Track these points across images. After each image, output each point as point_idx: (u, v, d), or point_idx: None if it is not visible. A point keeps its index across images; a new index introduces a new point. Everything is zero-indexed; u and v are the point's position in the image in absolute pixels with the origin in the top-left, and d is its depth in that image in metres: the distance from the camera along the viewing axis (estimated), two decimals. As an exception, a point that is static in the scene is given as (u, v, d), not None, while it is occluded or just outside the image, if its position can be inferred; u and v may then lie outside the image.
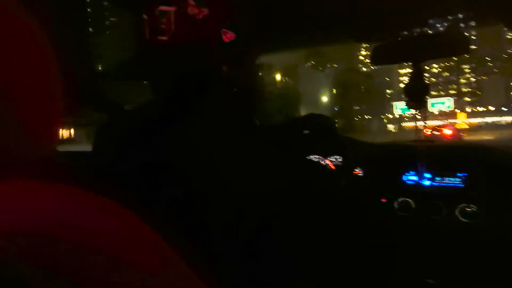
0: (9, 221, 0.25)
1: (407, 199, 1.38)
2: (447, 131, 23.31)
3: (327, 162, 1.54)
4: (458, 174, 1.33)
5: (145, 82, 0.73)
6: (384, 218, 1.43)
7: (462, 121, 41.10)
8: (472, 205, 1.26)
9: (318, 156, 1.58)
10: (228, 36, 0.72)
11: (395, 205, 1.39)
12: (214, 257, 0.62)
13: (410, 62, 1.21)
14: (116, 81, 0.78)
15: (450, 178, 1.35)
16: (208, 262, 0.60)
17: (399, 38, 1.52)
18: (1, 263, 0.21)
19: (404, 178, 1.43)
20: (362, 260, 1.34)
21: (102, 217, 0.30)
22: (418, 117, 1.43)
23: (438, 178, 1.37)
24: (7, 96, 0.32)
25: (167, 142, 0.68)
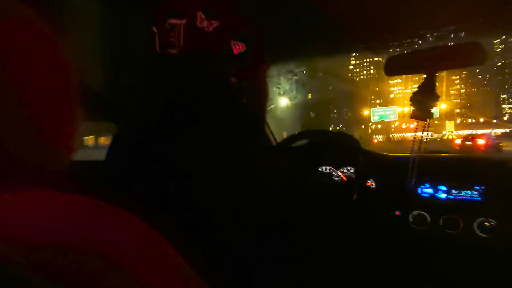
0: (22, 233, 0.25)
1: (423, 212, 1.35)
2: (481, 141, 20.13)
3: (339, 173, 1.52)
4: (476, 187, 1.30)
5: (156, 94, 0.73)
6: (398, 232, 1.39)
7: (450, 131, 40.38)
8: (491, 219, 1.23)
9: (329, 168, 1.57)
10: (238, 48, 0.72)
11: (410, 218, 1.36)
12: (227, 274, 0.62)
13: (424, 73, 1.20)
14: (128, 93, 0.78)
15: (467, 191, 1.32)
16: (220, 276, 0.60)
17: (413, 49, 1.50)
18: (14, 275, 0.21)
19: (419, 190, 1.40)
20: (375, 273, 1.31)
21: (127, 232, 0.30)
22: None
23: (454, 191, 1.34)
24: (25, 104, 0.32)
25: (178, 152, 0.68)
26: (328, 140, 1.55)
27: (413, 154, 1.33)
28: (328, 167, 1.57)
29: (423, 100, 1.16)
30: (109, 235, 0.28)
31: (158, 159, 0.69)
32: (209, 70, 0.71)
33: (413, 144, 1.29)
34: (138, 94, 0.77)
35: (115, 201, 0.32)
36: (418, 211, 1.35)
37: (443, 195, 1.35)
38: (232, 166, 0.68)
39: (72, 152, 0.38)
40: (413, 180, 1.40)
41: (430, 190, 1.38)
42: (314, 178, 1.51)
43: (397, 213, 1.40)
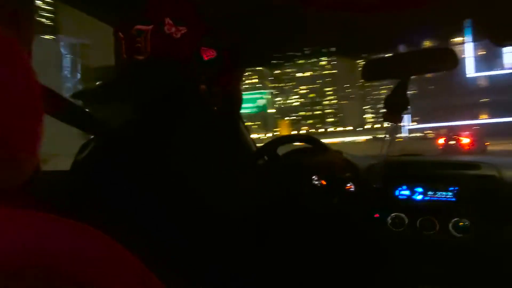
0: None
1: (400, 214, 1.37)
2: (465, 140, 19.01)
3: (318, 178, 1.53)
4: (450, 189, 1.33)
5: (124, 101, 0.72)
6: (378, 234, 1.41)
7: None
8: (464, 219, 1.26)
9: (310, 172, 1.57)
10: (208, 54, 0.72)
11: (389, 220, 1.39)
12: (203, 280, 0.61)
13: (400, 77, 1.23)
14: (95, 100, 0.77)
15: (442, 193, 1.35)
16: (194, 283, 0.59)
17: (388, 55, 1.54)
18: None
19: (397, 192, 1.42)
20: (356, 275, 1.32)
21: (80, 244, 0.29)
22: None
23: (430, 193, 1.37)
24: None
25: (146, 161, 0.67)
26: (308, 144, 1.57)
27: (390, 156, 1.36)
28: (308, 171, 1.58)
29: (395, 104, 1.19)
30: (64, 249, 0.27)
31: (126, 167, 0.67)
32: (178, 77, 0.70)
33: (388, 147, 1.32)
34: (105, 101, 0.75)
35: (77, 214, 0.31)
36: (396, 213, 1.38)
37: (420, 197, 1.38)
38: (202, 172, 0.67)
39: (33, 169, 0.37)
40: (390, 183, 1.42)
41: (407, 192, 1.41)
42: (293, 183, 1.52)
43: (376, 215, 1.42)
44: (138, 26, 0.67)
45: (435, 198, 1.35)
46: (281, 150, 1.53)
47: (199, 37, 0.72)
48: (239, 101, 0.88)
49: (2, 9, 0.69)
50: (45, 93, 0.38)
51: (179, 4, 0.72)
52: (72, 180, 0.75)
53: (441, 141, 20.35)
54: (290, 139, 1.59)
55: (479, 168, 1.37)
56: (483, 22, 1.22)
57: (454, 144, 18.80)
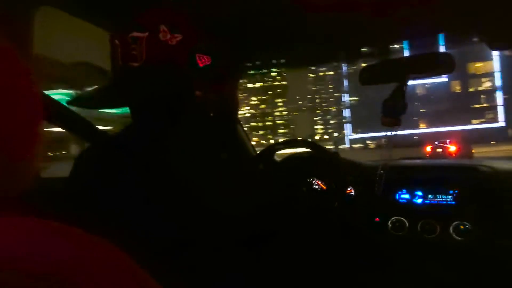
0: None
1: (401, 218, 1.37)
2: (452, 147, 19.67)
3: (318, 183, 1.53)
4: (450, 192, 1.33)
5: (121, 107, 0.72)
6: (378, 238, 1.41)
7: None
8: (465, 222, 1.26)
9: (310, 177, 1.57)
10: (204, 60, 0.72)
11: (389, 224, 1.38)
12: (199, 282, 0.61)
13: (397, 82, 1.23)
14: (91, 106, 0.77)
15: (442, 196, 1.35)
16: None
17: (386, 59, 1.55)
18: None
19: (397, 196, 1.42)
20: (356, 279, 1.31)
21: (72, 249, 0.29)
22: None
23: (430, 196, 1.37)
24: None
25: (143, 167, 0.67)
26: (308, 149, 1.57)
27: (389, 160, 1.36)
28: (308, 176, 1.58)
29: (392, 108, 1.19)
30: (62, 256, 0.27)
31: (123, 174, 0.67)
32: (174, 83, 0.70)
33: (387, 152, 1.32)
34: (101, 107, 0.75)
35: (76, 221, 0.31)
36: (396, 217, 1.37)
37: (420, 200, 1.38)
38: (198, 178, 0.67)
39: (32, 176, 0.36)
40: (390, 187, 1.42)
41: (407, 196, 1.41)
42: (294, 188, 1.52)
43: (377, 219, 1.42)
44: (134, 33, 0.68)
45: (435, 202, 1.35)
46: (281, 156, 1.53)
47: (194, 44, 0.72)
48: (235, 107, 0.89)
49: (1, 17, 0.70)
50: (43, 100, 0.38)
51: (174, 12, 0.73)
52: (71, 186, 0.75)
53: (428, 149, 20.58)
54: (289, 144, 1.59)
55: (478, 171, 1.37)
56: (480, 26, 1.23)
57: (441, 151, 19.26)
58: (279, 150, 1.42)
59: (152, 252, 0.46)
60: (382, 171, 1.34)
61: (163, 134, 0.70)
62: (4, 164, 0.33)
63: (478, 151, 20.48)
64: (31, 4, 0.89)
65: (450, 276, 1.26)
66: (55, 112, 0.85)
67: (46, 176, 0.93)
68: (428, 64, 1.22)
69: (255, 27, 1.10)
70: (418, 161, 1.69)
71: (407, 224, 1.35)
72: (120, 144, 0.71)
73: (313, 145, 1.52)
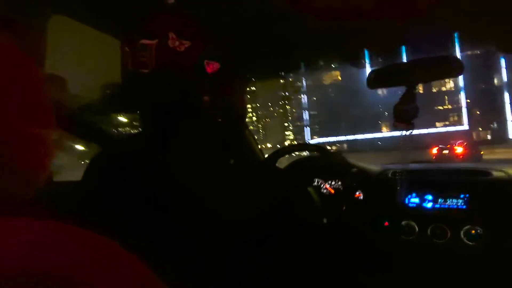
0: None
1: (411, 222, 1.35)
2: (459, 149, 18.54)
3: (326, 187, 1.53)
4: (461, 196, 1.32)
5: (131, 113, 0.74)
6: (388, 243, 1.40)
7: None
8: (477, 227, 1.24)
9: (317, 181, 1.57)
10: (212, 67, 0.73)
11: (399, 228, 1.37)
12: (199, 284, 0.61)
13: (406, 85, 1.23)
14: (103, 112, 0.79)
15: (452, 200, 1.33)
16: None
17: (394, 62, 1.54)
18: None
19: (406, 200, 1.41)
20: (365, 283, 1.30)
21: (85, 250, 0.30)
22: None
23: (440, 200, 1.35)
24: None
25: (154, 171, 0.68)
26: (315, 153, 1.56)
27: (399, 164, 1.35)
28: (316, 180, 1.57)
29: (404, 111, 1.18)
30: (69, 256, 0.28)
31: (129, 178, 0.68)
32: (182, 89, 0.71)
33: (398, 155, 1.31)
34: (111, 112, 0.77)
35: (87, 224, 0.31)
36: (406, 221, 1.36)
37: (430, 204, 1.36)
38: (205, 182, 0.68)
39: (44, 180, 0.37)
40: (400, 191, 1.41)
41: (416, 200, 1.39)
42: (302, 192, 1.51)
43: (386, 224, 1.40)
44: (143, 41, 0.69)
45: (446, 206, 1.33)
46: (290, 159, 1.53)
47: (202, 50, 0.73)
48: (243, 112, 0.89)
49: (14, 25, 0.71)
50: (54, 106, 0.39)
51: (182, 19, 0.74)
52: (83, 190, 0.76)
53: (434, 151, 19.60)
54: (297, 148, 1.59)
55: (490, 175, 1.35)
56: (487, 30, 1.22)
57: (447, 154, 18.44)
58: (287, 154, 1.42)
59: (157, 253, 0.47)
60: (393, 176, 1.33)
61: (172, 139, 0.71)
62: (17, 168, 0.34)
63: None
64: (43, 13, 0.91)
65: (461, 281, 1.24)
66: (67, 119, 0.86)
67: (58, 180, 0.95)
68: (436, 67, 1.21)
69: (262, 33, 1.11)
70: (428, 164, 1.67)
71: (417, 228, 1.33)
72: (130, 149, 0.73)
73: (321, 149, 1.52)
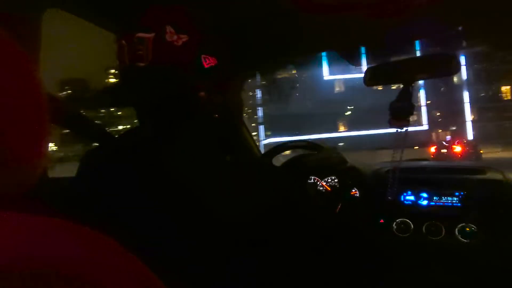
0: None
1: (406, 220, 1.36)
2: (458, 148, 18.33)
3: (322, 184, 1.53)
4: (456, 194, 1.32)
5: (126, 107, 0.73)
6: (383, 240, 1.40)
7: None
8: (471, 225, 1.25)
9: (313, 178, 1.57)
10: (209, 61, 0.72)
11: (394, 226, 1.38)
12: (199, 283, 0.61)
13: (402, 83, 1.23)
14: (97, 105, 0.78)
15: (447, 198, 1.34)
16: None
17: (391, 60, 1.54)
18: None
19: (402, 198, 1.41)
20: (360, 281, 1.31)
21: (82, 247, 0.30)
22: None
23: (435, 198, 1.36)
24: None
25: (149, 167, 0.67)
26: (311, 150, 1.57)
27: (394, 162, 1.35)
28: (312, 178, 1.58)
29: (400, 109, 1.19)
30: (67, 253, 0.27)
31: (128, 174, 0.68)
32: (179, 84, 0.71)
33: (393, 153, 1.32)
34: (107, 106, 0.76)
35: (81, 219, 0.31)
36: (401, 219, 1.37)
37: (425, 202, 1.37)
38: (202, 179, 0.67)
39: (39, 174, 0.37)
40: (395, 188, 1.41)
41: (412, 198, 1.40)
42: (298, 189, 1.52)
43: (381, 221, 1.41)
44: (140, 34, 0.68)
45: (441, 203, 1.34)
46: (285, 157, 1.53)
47: (200, 45, 0.72)
48: (240, 108, 0.89)
49: (10, 18, 0.71)
50: (49, 99, 0.39)
51: (180, 12, 0.73)
52: (76, 186, 0.76)
53: (432, 149, 19.63)
54: (294, 145, 1.59)
55: (485, 173, 1.36)
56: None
57: (445, 152, 18.24)
58: (284, 151, 1.42)
59: (153, 253, 0.47)
60: (393, 174, 1.33)
61: (168, 134, 0.70)
62: (12, 161, 0.33)
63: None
64: (38, 7, 0.90)
65: (454, 278, 1.25)
66: (61, 113, 0.86)
67: (52, 175, 0.94)
68: (434, 65, 1.21)
69: (259, 29, 1.10)
70: (424, 162, 1.68)
71: (412, 226, 1.34)
72: (125, 144, 0.72)
73: (318, 146, 1.52)
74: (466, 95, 31.55)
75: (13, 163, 0.34)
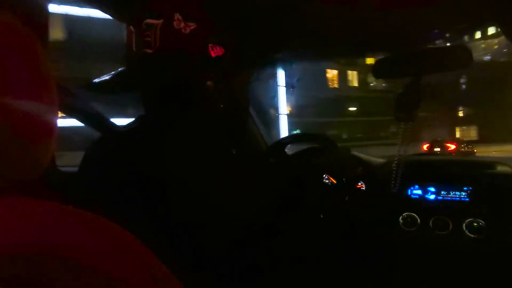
0: None
1: (412, 214, 1.35)
2: (451, 146, 18.52)
3: (328, 177, 1.52)
4: (464, 188, 1.31)
5: (132, 95, 0.73)
6: (389, 234, 1.40)
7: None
8: (479, 219, 1.24)
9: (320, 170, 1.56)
10: (216, 51, 0.72)
11: (400, 220, 1.37)
12: (207, 273, 0.61)
13: (412, 76, 1.21)
14: (104, 91, 0.78)
15: (455, 192, 1.33)
16: (200, 277, 0.59)
17: (401, 53, 1.52)
18: None
19: (409, 192, 1.40)
20: (367, 274, 1.31)
21: (90, 234, 0.30)
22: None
23: (443, 192, 1.35)
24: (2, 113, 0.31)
25: (153, 157, 0.67)
26: (318, 143, 1.56)
27: (402, 156, 1.34)
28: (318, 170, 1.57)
29: (407, 103, 1.17)
30: (73, 238, 0.28)
31: (133, 165, 0.68)
32: (186, 72, 0.70)
33: (400, 147, 1.30)
34: (114, 92, 0.76)
35: (87, 208, 0.31)
36: (408, 213, 1.36)
37: (432, 196, 1.36)
38: (208, 170, 0.67)
39: (48, 161, 0.37)
40: (402, 182, 1.40)
41: (419, 192, 1.39)
42: (303, 182, 1.51)
43: (388, 214, 1.40)
44: (148, 20, 0.68)
45: (449, 198, 1.33)
46: (291, 149, 1.53)
47: (207, 34, 0.72)
48: (246, 99, 0.88)
49: (19, 7, 0.70)
50: (57, 87, 0.39)
51: (189, 1, 0.73)
52: (80, 177, 0.76)
53: (425, 147, 18.70)
54: (302, 138, 1.58)
55: (493, 167, 1.34)
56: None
57: (439, 151, 17.78)
58: (290, 144, 1.42)
59: (158, 243, 0.47)
60: (396, 167, 1.32)
61: (172, 123, 0.70)
62: (22, 148, 0.33)
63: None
64: None
65: (461, 272, 1.24)
66: (68, 102, 0.86)
67: (59, 165, 0.94)
68: (444, 58, 1.19)
69: (267, 20, 1.09)
70: (431, 157, 1.66)
71: (418, 220, 1.33)
72: (129, 134, 0.72)
73: (324, 139, 1.51)
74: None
75: (23, 148, 0.34)
